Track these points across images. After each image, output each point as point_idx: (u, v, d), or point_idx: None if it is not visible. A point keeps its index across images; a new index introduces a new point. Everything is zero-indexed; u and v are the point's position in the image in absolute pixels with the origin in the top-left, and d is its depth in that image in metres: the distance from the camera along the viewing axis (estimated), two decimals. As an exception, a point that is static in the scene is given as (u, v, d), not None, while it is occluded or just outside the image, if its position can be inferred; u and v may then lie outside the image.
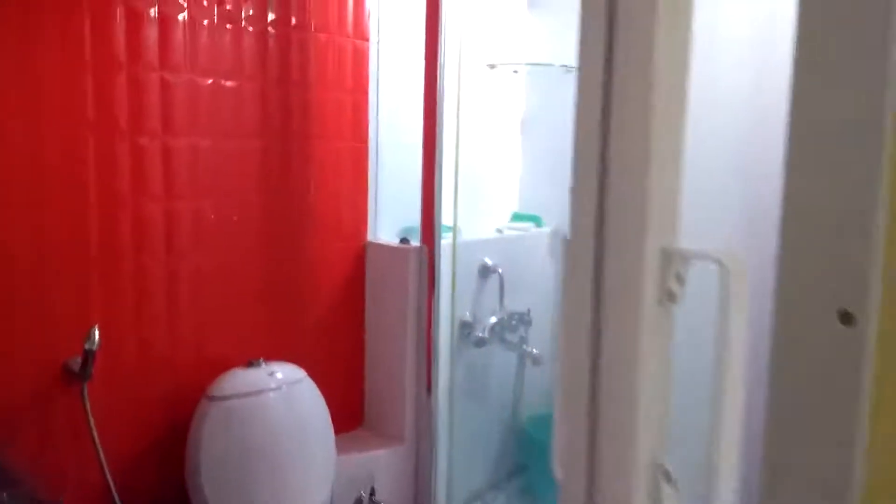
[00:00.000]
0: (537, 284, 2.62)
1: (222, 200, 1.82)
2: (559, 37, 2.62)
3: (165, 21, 1.65)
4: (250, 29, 1.82)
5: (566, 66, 2.57)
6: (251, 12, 1.82)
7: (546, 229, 2.67)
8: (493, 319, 2.35)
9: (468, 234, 2.37)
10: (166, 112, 1.68)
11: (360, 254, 2.19)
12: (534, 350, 2.39)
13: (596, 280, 0.61)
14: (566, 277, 0.66)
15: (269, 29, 1.87)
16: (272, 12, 1.86)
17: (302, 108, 1.97)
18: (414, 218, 2.19)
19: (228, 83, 1.79)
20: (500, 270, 2.38)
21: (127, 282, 1.65)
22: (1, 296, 1.46)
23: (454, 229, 2.30)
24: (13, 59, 1.43)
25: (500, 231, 2.58)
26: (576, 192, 0.63)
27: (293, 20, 1.91)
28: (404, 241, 2.18)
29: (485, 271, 2.39)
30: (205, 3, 1.72)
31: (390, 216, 2.26)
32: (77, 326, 1.55)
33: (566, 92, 2.57)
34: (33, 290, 1.50)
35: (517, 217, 2.73)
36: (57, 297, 1.54)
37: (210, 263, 1.81)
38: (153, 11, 1.63)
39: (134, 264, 1.66)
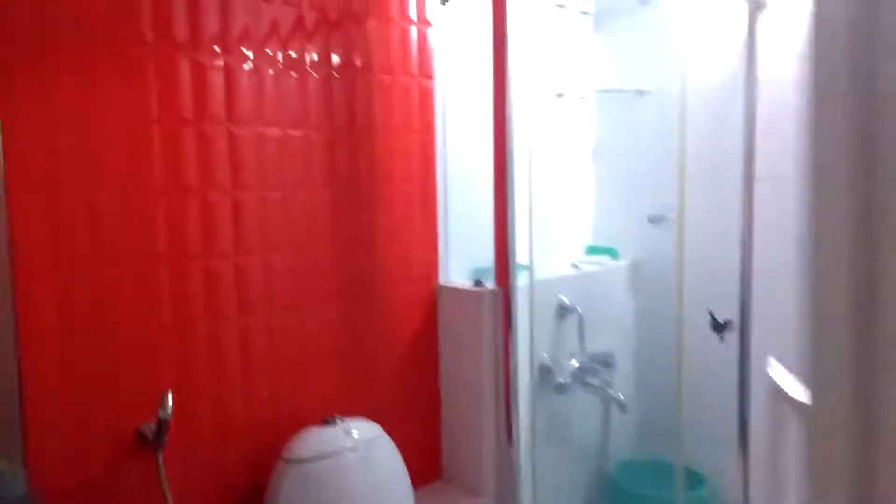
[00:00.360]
0: (617, 323, 2.47)
1: (293, 253, 1.76)
2: (628, 60, 2.49)
3: (230, 73, 1.62)
4: (315, 75, 1.78)
5: (640, 90, 2.44)
6: (315, 57, 1.77)
7: (623, 262, 2.52)
8: (575, 364, 2.21)
9: (542, 271, 2.25)
10: (235, 166, 1.64)
11: (433, 298, 2.10)
12: (619, 395, 2.23)
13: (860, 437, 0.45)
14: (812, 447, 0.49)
15: (334, 74, 1.82)
16: (336, 55, 1.82)
17: (369, 153, 1.91)
18: (486, 258, 2.09)
19: (296, 133, 1.75)
20: (578, 310, 2.25)
21: (199, 342, 1.60)
22: (70, 361, 1.42)
23: (530, 268, 2.18)
24: (76, 118, 1.41)
25: (575, 266, 2.45)
26: (819, 290, 0.44)
27: (357, 62, 1.86)
28: (478, 283, 2.08)
29: (562, 311, 2.26)
30: (269, 51, 1.68)
31: (462, 257, 2.17)
32: (149, 389, 1.51)
33: (638, 117, 2.44)
34: (103, 354, 1.46)
35: (592, 250, 2.60)
36: (127, 362, 1.50)
37: (282, 319, 1.75)
38: (218, 63, 1.60)
39: (205, 324, 1.61)
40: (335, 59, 1.82)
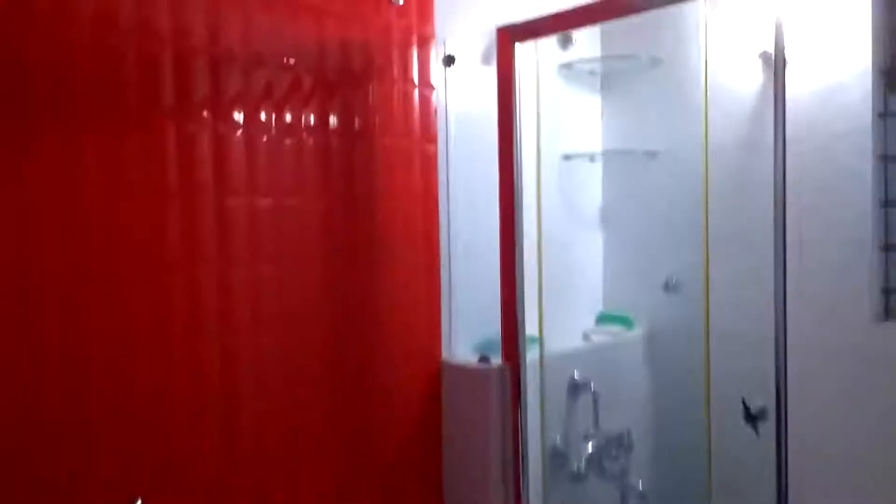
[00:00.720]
0: (633, 399, 2.30)
1: (285, 331, 1.61)
2: (637, 121, 2.40)
3: (221, 140, 1.50)
4: (311, 142, 1.65)
5: (650, 151, 2.34)
6: (312, 121, 1.65)
7: (637, 332, 2.37)
8: (590, 448, 2.03)
9: (552, 342, 2.10)
10: (223, 240, 1.50)
11: (435, 376, 1.94)
12: (638, 484, 2.05)
13: None
14: None
15: (332, 139, 1.69)
16: (335, 120, 1.70)
17: (368, 221, 1.78)
18: (493, 325, 1.94)
19: (291, 202, 1.61)
20: (592, 387, 2.08)
21: (179, 436, 1.44)
22: (37, 462, 1.25)
23: (540, 342, 2.03)
24: (53, 191, 1.28)
25: (587, 338, 2.29)
26: None
27: (357, 127, 1.74)
28: (483, 359, 1.92)
29: (574, 388, 2.10)
30: (262, 117, 1.57)
31: (467, 328, 2.02)
32: (121, 489, 1.33)
33: (649, 179, 2.32)
34: (72, 455, 1.29)
35: (604, 318, 2.45)
36: (97, 464, 1.33)
37: (270, 404, 1.59)
38: (207, 132, 1.47)
39: (185, 414, 1.45)
40: (333, 123, 1.70)
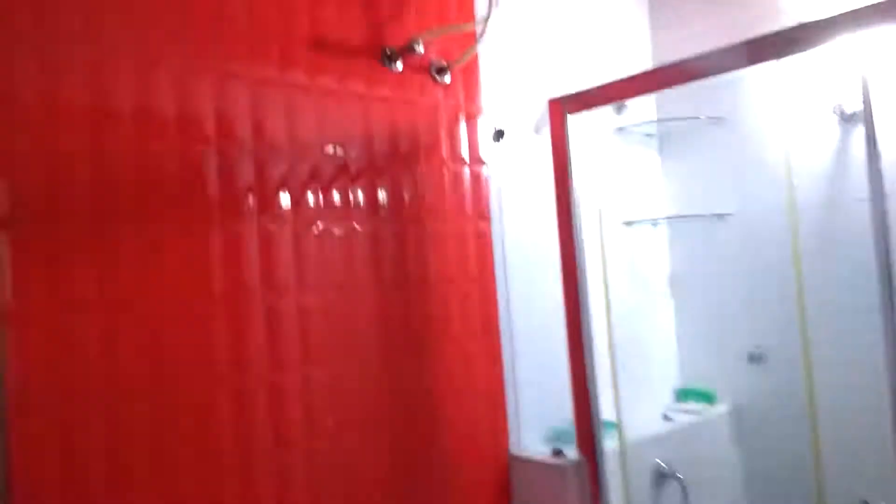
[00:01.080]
0: (727, 489, 2.07)
1: (340, 436, 1.50)
2: (699, 182, 2.26)
3: (267, 239, 1.44)
4: (361, 230, 1.58)
5: (718, 214, 2.19)
6: (361, 208, 1.59)
7: (721, 408, 2.16)
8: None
9: (629, 425, 1.92)
10: (273, 343, 1.42)
11: (504, 473, 1.78)
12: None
13: None
14: None
15: (382, 227, 1.62)
16: (384, 202, 1.63)
17: (423, 310, 1.68)
18: (564, 413, 1.79)
19: (342, 296, 1.53)
20: (680, 476, 1.88)
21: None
22: None
23: (619, 428, 1.86)
24: (94, 298, 1.23)
25: (667, 418, 2.10)
26: None
27: (407, 209, 1.67)
28: (557, 452, 1.75)
29: (659, 478, 1.90)
30: (311, 208, 1.51)
31: (535, 417, 1.86)
32: None
33: (718, 243, 2.15)
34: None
35: (683, 394, 2.25)
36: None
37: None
38: (253, 229, 1.42)
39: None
40: (383, 210, 1.63)
